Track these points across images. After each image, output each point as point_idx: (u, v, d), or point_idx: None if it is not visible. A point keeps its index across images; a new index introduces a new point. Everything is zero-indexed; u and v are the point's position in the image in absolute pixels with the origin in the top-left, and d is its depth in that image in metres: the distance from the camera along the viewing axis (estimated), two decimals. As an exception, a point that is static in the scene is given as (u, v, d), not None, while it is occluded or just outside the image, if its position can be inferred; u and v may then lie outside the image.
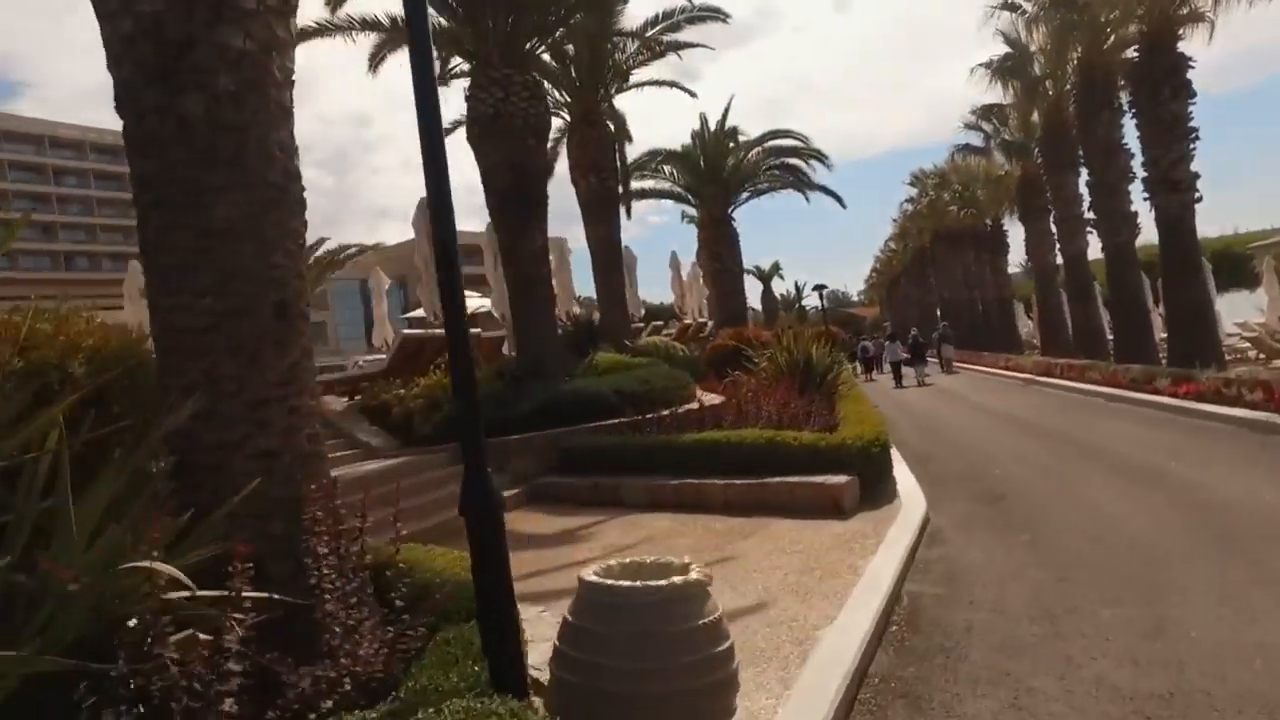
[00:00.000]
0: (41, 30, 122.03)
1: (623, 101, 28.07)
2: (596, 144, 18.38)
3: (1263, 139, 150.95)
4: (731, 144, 24.22)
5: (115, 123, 3.55)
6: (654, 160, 23.82)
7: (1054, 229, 24.15)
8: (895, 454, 9.75)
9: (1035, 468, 8.60)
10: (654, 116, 25.83)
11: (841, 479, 7.26)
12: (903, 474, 8.39)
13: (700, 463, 8.63)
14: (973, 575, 5.22)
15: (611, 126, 19.31)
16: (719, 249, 23.71)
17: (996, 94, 24.11)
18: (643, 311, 28.61)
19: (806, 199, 25.75)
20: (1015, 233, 29.67)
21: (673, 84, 21.46)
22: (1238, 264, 31.51)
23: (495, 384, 12.33)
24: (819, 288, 31.42)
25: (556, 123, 19.93)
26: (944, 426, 13.29)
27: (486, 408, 11.46)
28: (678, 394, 12.06)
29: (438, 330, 16.17)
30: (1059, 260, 24.34)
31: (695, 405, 11.29)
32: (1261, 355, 18.31)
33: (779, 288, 73.76)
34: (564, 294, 22.43)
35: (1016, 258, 30.98)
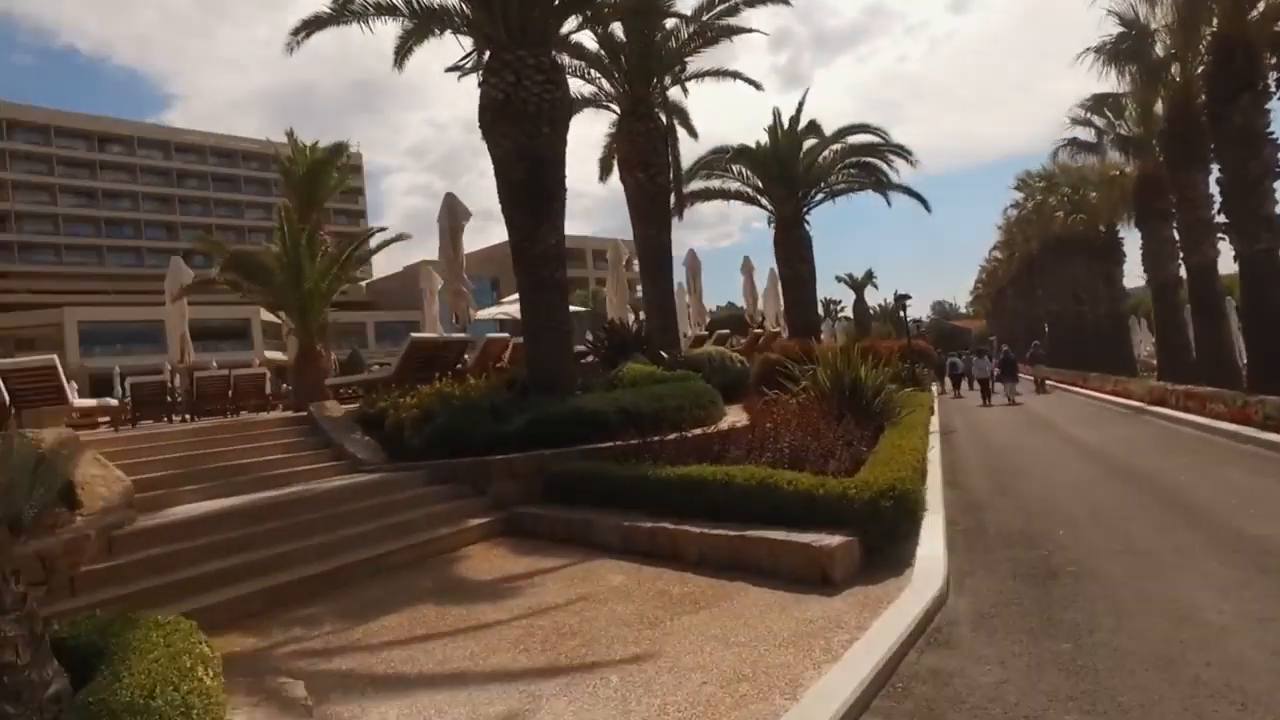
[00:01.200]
0: (194, 48, 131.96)
1: (692, 98, 26.80)
2: (645, 138, 17.03)
3: None
4: (805, 141, 22.34)
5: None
6: (721, 158, 22.22)
7: (1177, 235, 21.03)
8: (938, 499, 8.00)
9: (1116, 534, 6.61)
10: (728, 114, 24.01)
11: (834, 540, 5.59)
12: (933, 530, 6.59)
13: (682, 502, 7.16)
14: (968, 714, 3.53)
15: (663, 119, 17.89)
16: (790, 253, 21.89)
17: (1110, 83, 21.25)
18: (707, 320, 27.04)
19: (887, 201, 23.58)
20: (1132, 240, 26.34)
21: (735, 75, 19.92)
22: None
23: (504, 395, 11.19)
24: (901, 298, 28.76)
25: (607, 116, 18.83)
26: (1018, 463, 11.17)
27: (480, 422, 10.33)
28: (697, 414, 10.55)
29: (455, 336, 15.21)
30: (1182, 272, 21.17)
31: (719, 428, 9.77)
32: None
33: (874, 297, 70.37)
34: (617, 299, 21.24)
35: (1134, 268, 27.42)
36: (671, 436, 9.07)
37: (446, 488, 9.30)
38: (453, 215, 15.10)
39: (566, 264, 12.00)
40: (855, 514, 5.83)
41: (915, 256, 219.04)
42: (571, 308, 22.88)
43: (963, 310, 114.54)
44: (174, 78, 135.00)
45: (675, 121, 19.06)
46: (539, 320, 11.55)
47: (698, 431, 9.53)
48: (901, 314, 76.19)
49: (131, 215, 76.47)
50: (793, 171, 21.98)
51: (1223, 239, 17.75)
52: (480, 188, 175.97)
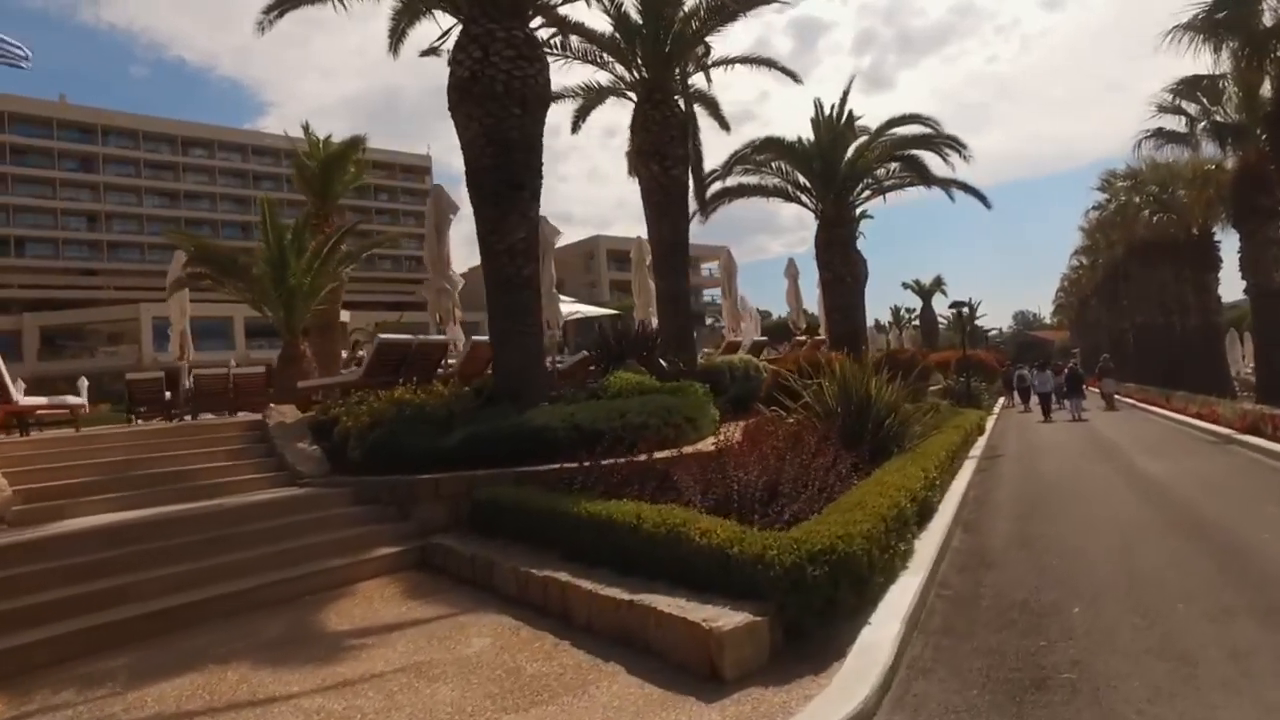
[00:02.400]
0: (290, 57, 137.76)
1: (723, 90, 25.28)
2: (661, 126, 15.63)
3: None
4: (849, 133, 20.50)
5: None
6: (757, 152, 20.57)
7: (1282, 237, 18.38)
8: (933, 549, 6.42)
9: (1150, 620, 4.90)
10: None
11: (730, 620, 4.14)
12: (899, 600, 5.03)
13: (594, 545, 5.80)
14: None
15: (683, 107, 16.49)
16: (831, 256, 20.09)
17: (1205, 64, 18.67)
18: (753, 325, 25.43)
19: (951, 197, 21.52)
20: (1229, 244, 23.35)
21: (769, 63, 18.36)
22: None
23: (470, 403, 10.04)
24: (957, 305, 26.50)
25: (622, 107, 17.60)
26: (1059, 500, 9.32)
27: (419, 435, 9.15)
28: (666, 433, 9.10)
29: (433, 338, 14.12)
30: (1287, 278, 18.48)
31: (699, 449, 8.35)
32: None
33: (946, 305, 66.89)
34: (641, 301, 19.94)
35: (1230, 276, 24.22)
36: (634, 459, 7.67)
37: (369, 509, 8.20)
38: (439, 209, 14.24)
39: (538, 260, 10.77)
40: (773, 583, 4.34)
41: (1001, 264, 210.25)
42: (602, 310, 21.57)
43: (1046, 320, 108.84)
44: (270, 86, 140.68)
45: (696, 110, 17.65)
46: (505, 322, 10.34)
47: (670, 453, 8.11)
48: (968, 323, 72.94)
49: (209, 215, 79.13)
50: (835, 166, 20.18)
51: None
52: (559, 192, 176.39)
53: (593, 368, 14.34)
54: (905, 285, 61.87)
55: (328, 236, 14.19)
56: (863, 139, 20.41)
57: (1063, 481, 10.72)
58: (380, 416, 9.42)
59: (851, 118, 20.68)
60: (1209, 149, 22.08)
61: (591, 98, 18.84)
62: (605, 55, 16.37)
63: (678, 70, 16.99)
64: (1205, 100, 21.17)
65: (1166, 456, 12.85)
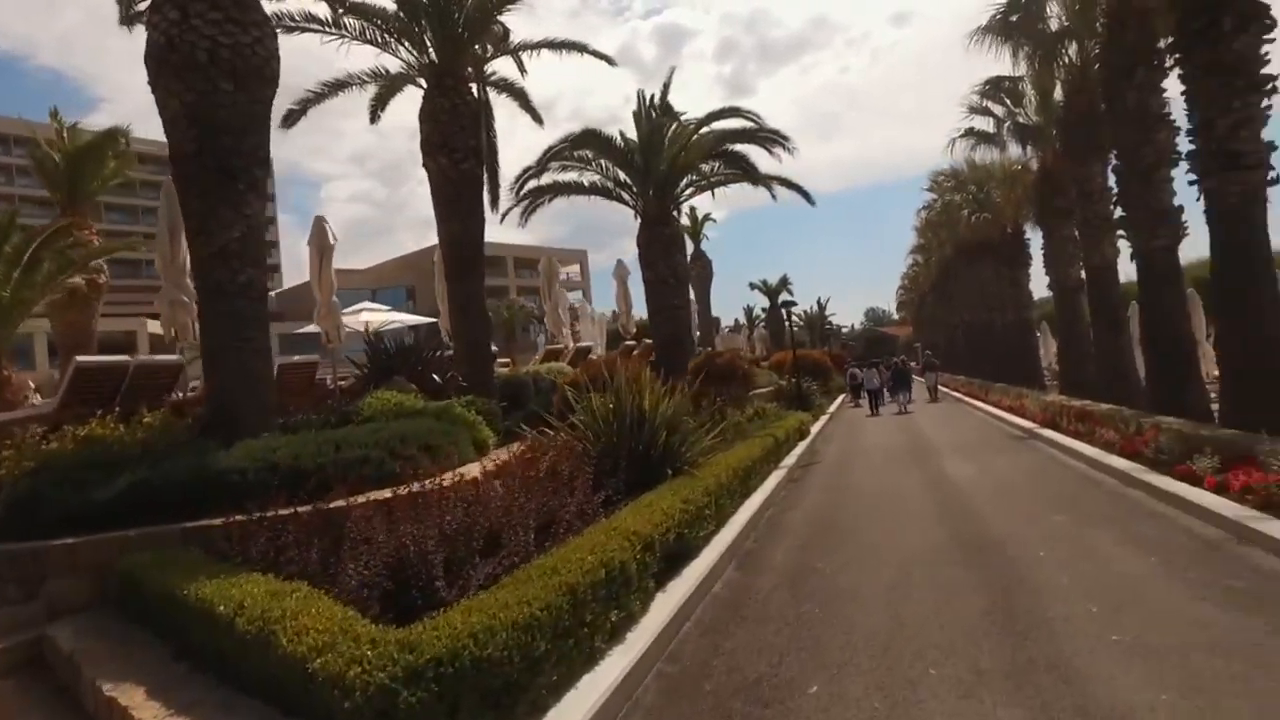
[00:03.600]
0: (120, 47, 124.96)
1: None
2: (450, 116, 14.09)
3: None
4: (671, 127, 19.66)
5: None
6: (574, 147, 19.34)
7: (1079, 234, 18.98)
8: (663, 612, 5.25)
9: (893, 699, 3.92)
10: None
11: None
12: (574, 708, 3.78)
13: (202, 644, 4.24)
14: None
15: (476, 95, 15.04)
16: (654, 256, 19.12)
17: (1007, 65, 19.09)
18: (566, 331, 24.17)
19: (773, 195, 21.08)
20: (1039, 241, 24.34)
21: (580, 48, 17.16)
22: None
23: (181, 438, 8.15)
24: (787, 304, 26.62)
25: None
26: (856, 518, 8.53)
27: (72, 487, 7.22)
28: (401, 465, 7.59)
29: (159, 359, 12.02)
30: (1084, 274, 19.11)
31: (432, 485, 6.87)
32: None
33: (804, 305, 68.56)
34: (552, 316, 18.29)
35: (1041, 273, 25.32)
36: (338, 504, 6.16)
37: (-20, 589, 6.22)
38: (320, 239, 13.81)
39: (263, 263, 8.99)
40: (352, 716, 2.97)
41: (857, 264, 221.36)
42: (421, 319, 19.65)
43: (895, 317, 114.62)
44: (101, 80, 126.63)
45: (490, 97, 16.25)
46: (218, 336, 8.49)
47: (381, 494, 6.64)
48: (818, 323, 74.95)
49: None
50: (656, 162, 19.27)
51: (1123, 236, 15.61)
52: (421, 195, 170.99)
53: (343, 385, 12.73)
54: (753, 286, 62.83)
55: (29, 239, 11.66)
56: (684, 133, 19.59)
57: (866, 494, 10.03)
58: (51, 461, 7.41)
59: (672, 111, 19.88)
60: (1016, 149, 22.89)
61: (386, 85, 17.09)
62: (387, 35, 14.68)
63: (472, 54, 15.55)
64: (1009, 102, 21.87)
65: (974, 457, 12.57)
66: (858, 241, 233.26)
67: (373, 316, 20.61)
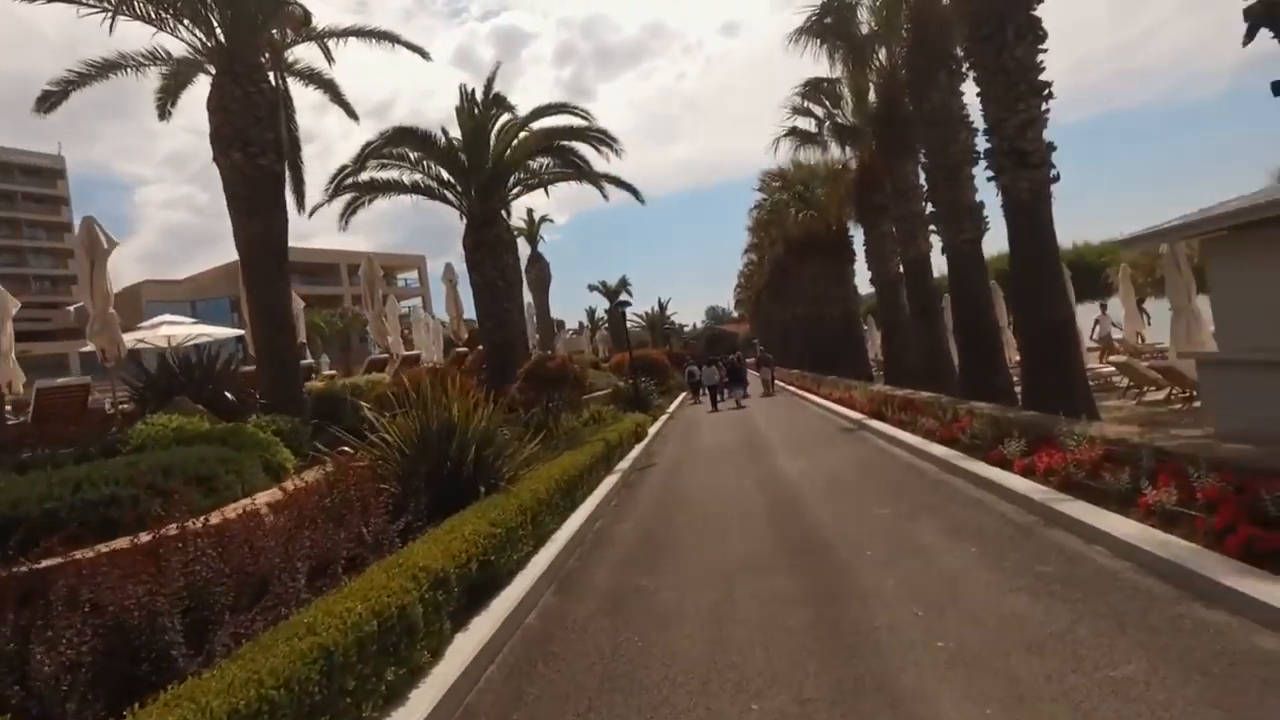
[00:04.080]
0: None
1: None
2: (242, 105, 12.67)
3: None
4: (496, 123, 18.81)
5: None
6: (391, 144, 18.06)
7: (896, 230, 19.93)
8: (455, 664, 4.54)
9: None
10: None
11: None
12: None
13: None
14: None
15: (274, 84, 13.63)
16: (480, 258, 18.18)
17: (825, 67, 19.69)
18: (391, 340, 22.75)
19: (604, 194, 20.72)
20: (861, 237, 25.52)
21: (392, 38, 16.04)
22: (1090, 275, 28.76)
23: None
24: (622, 304, 26.46)
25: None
26: (684, 529, 8.14)
27: None
28: (160, 503, 6.41)
29: None
30: (902, 268, 20.11)
31: (196, 525, 5.74)
32: (1132, 385, 14.36)
33: (644, 305, 69.36)
34: (376, 325, 16.52)
35: (865, 267, 26.59)
36: (52, 561, 4.95)
37: None
38: (91, 242, 11.61)
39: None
40: None
41: (700, 264, 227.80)
42: (232, 331, 18.07)
43: (734, 314, 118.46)
44: None
45: (287, 85, 14.91)
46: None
47: (119, 544, 5.46)
48: (659, 323, 75.72)
49: None
50: (481, 160, 18.36)
51: (935, 231, 16.44)
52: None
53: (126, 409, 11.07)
54: (592, 287, 62.73)
55: None
56: (510, 130, 18.82)
57: (698, 498, 9.71)
58: None
59: (505, 103, 19.00)
60: (837, 150, 23.78)
61: (172, 72, 15.20)
62: (164, 11, 12.96)
63: (268, 38, 14.10)
64: (828, 103, 22.71)
65: (805, 451, 12.66)
66: (699, 242, 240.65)
67: (175, 330, 18.33)
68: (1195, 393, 11.80)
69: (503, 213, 19.12)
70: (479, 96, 18.67)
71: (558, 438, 12.01)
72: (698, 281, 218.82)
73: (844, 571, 5.71)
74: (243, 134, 12.72)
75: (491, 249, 18.25)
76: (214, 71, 13.31)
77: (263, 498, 7.34)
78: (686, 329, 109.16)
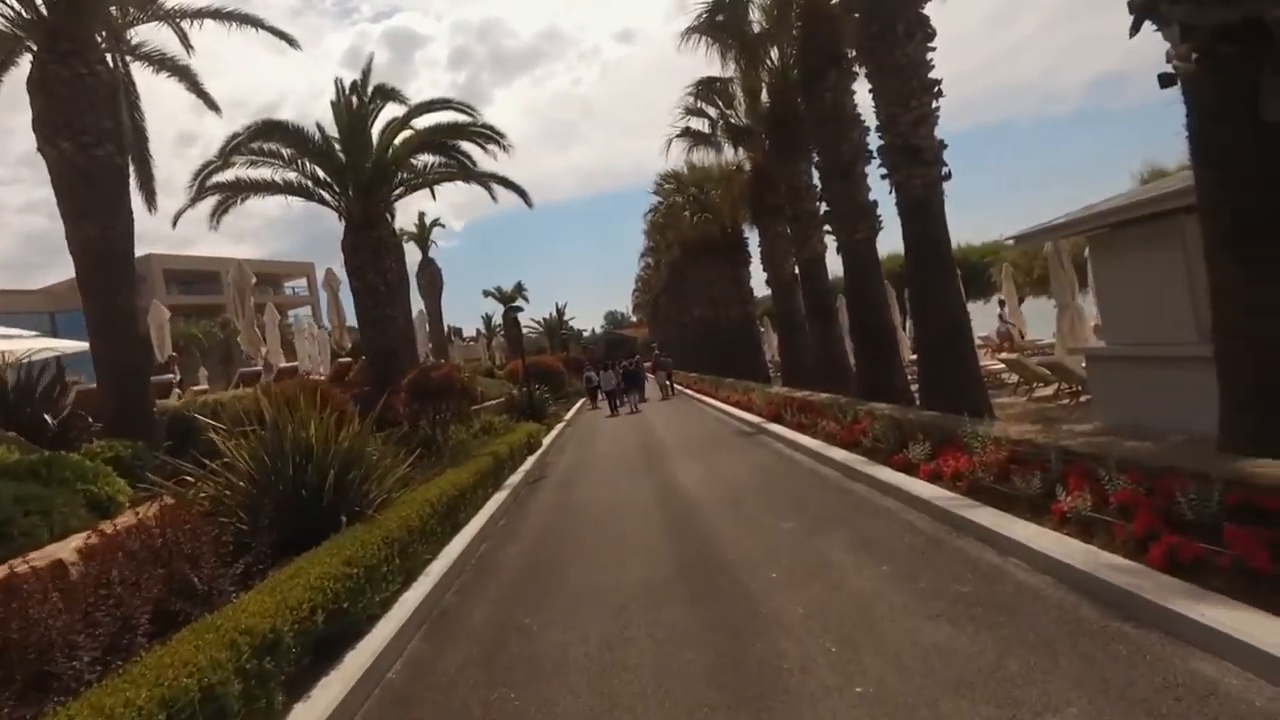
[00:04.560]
0: None
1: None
2: (71, 88, 11.19)
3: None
4: (374, 120, 17.57)
5: None
6: (258, 138, 16.49)
7: (791, 231, 19.84)
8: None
9: None
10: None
11: None
12: None
13: None
14: None
15: (112, 66, 12.15)
16: (360, 262, 16.88)
17: (719, 67, 19.43)
18: (265, 351, 21.17)
19: (492, 195, 19.71)
20: (757, 239, 25.40)
21: (254, 22, 14.73)
22: (974, 274, 29.90)
23: None
24: (514, 309, 25.56)
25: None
26: (574, 552, 7.43)
27: None
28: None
29: None
30: (798, 269, 20.08)
31: None
32: (1022, 381, 14.66)
33: (540, 311, 68.18)
34: (246, 334, 14.77)
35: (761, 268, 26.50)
36: None
37: None
38: None
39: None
40: None
41: (600, 269, 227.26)
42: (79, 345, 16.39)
43: (633, 319, 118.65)
44: None
45: (129, 69, 13.39)
46: None
47: None
48: (556, 328, 74.91)
49: None
50: (361, 158, 17.07)
51: (829, 231, 16.37)
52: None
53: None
54: (486, 293, 61.10)
55: None
56: (392, 126, 17.61)
57: (592, 514, 9.03)
58: None
59: (379, 98, 17.76)
60: (731, 151, 23.63)
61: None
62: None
63: (104, 15, 12.56)
64: (720, 103, 22.53)
65: (704, 457, 12.20)
66: (599, 248, 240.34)
67: (13, 345, 16.14)
68: (1082, 387, 12.04)
69: (386, 214, 17.86)
70: (359, 89, 17.40)
71: (443, 453, 11.09)
72: (597, 286, 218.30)
73: (748, 598, 5.15)
74: (73, 121, 11.23)
75: (373, 252, 16.97)
76: (35, 49, 11.73)
77: (75, 542, 6.22)
78: (585, 334, 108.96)
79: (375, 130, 17.80)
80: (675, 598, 5.42)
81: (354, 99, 17.28)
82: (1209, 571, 3.93)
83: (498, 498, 9.97)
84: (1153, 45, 5.90)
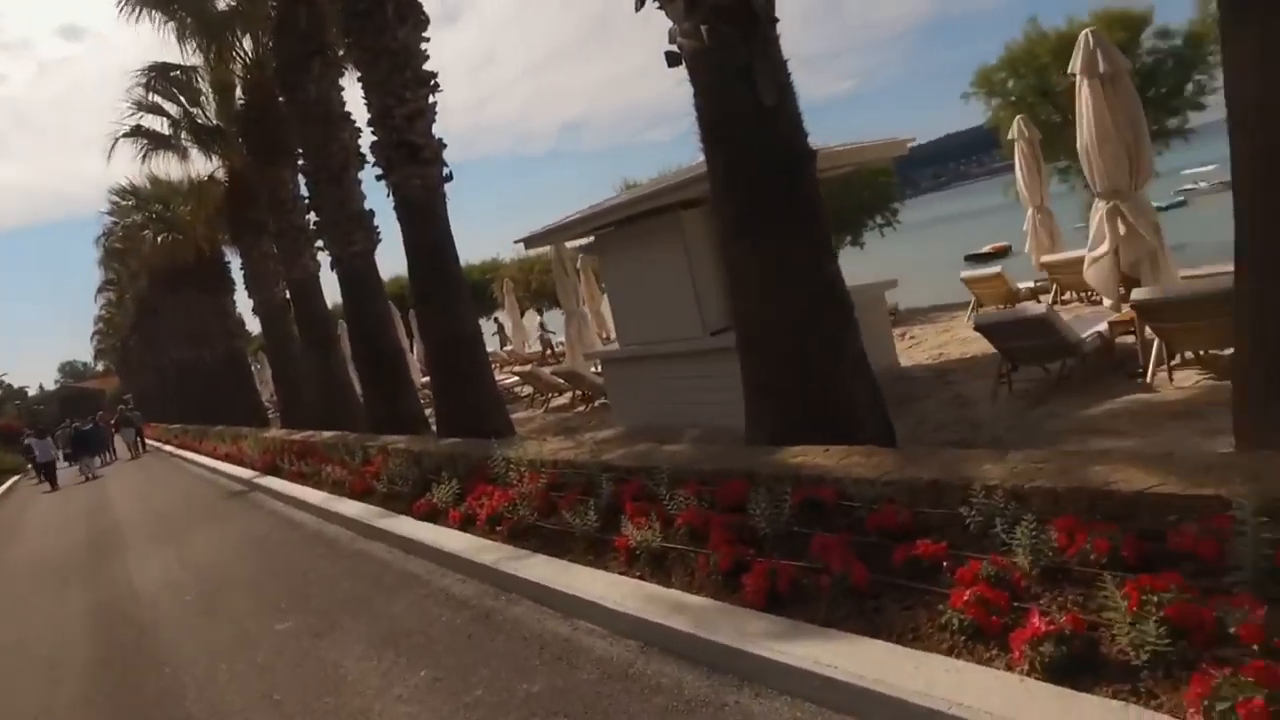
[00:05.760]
0: None
1: None
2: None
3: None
4: None
5: None
6: None
7: (278, 249, 16.95)
8: None
9: None
10: None
11: None
12: None
13: None
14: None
15: None
16: None
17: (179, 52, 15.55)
18: None
19: None
20: (240, 261, 21.47)
21: None
22: (478, 291, 30.29)
23: None
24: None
25: None
26: None
27: None
28: None
29: None
30: (288, 292, 17.27)
31: None
32: (537, 392, 14.39)
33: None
34: None
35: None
36: None
37: None
38: None
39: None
40: None
41: (50, 312, 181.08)
42: None
43: (98, 368, 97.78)
44: None
45: None
46: None
47: None
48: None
49: None
50: None
51: (322, 247, 14.16)
52: None
53: None
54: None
55: None
56: None
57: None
58: None
59: None
60: (204, 160, 19.46)
61: None
62: None
63: None
64: (184, 99, 18.41)
65: (175, 538, 9.13)
66: (47, 287, 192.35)
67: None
68: (593, 392, 12.07)
69: None
70: None
71: None
72: (48, 333, 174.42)
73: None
74: None
75: None
76: None
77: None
78: (33, 393, 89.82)
79: None
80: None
81: None
82: (811, 599, 3.20)
83: None
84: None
